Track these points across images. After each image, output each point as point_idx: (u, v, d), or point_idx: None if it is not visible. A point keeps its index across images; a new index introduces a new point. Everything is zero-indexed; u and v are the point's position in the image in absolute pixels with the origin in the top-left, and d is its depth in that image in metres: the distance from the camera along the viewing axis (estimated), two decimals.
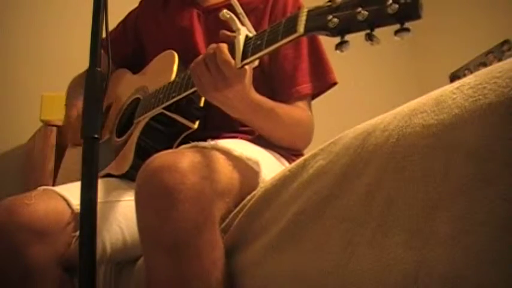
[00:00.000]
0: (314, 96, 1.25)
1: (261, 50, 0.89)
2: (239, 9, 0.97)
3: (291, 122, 1.15)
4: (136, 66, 1.38)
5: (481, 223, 0.53)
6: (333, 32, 0.76)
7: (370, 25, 0.72)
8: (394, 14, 0.69)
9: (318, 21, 0.79)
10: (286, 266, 0.78)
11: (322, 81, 1.23)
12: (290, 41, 0.84)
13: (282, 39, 0.85)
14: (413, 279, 0.58)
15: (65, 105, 1.44)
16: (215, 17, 1.25)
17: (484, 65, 2.84)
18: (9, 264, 0.94)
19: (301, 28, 0.81)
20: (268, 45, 0.88)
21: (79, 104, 1.33)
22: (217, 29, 1.00)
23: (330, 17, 0.76)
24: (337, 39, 0.77)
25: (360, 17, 0.72)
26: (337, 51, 0.76)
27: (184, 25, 1.29)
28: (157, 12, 1.38)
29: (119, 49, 1.39)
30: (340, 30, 0.76)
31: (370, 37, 0.72)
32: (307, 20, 0.81)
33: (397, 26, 0.70)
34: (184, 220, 0.82)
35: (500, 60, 2.73)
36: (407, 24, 0.69)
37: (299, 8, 0.85)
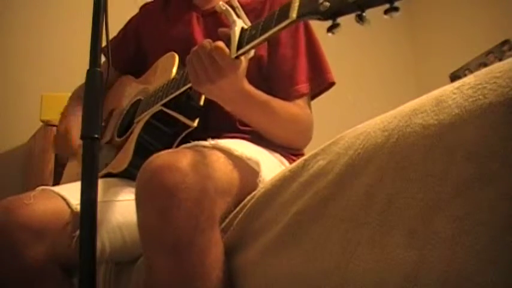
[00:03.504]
0: (313, 96, 1.26)
1: (255, 39, 0.90)
2: (235, 3, 0.98)
3: (287, 117, 1.15)
4: (140, 71, 1.39)
5: (481, 223, 0.53)
6: (324, 16, 0.78)
7: (360, 6, 0.74)
8: None
9: (310, 6, 0.80)
10: (286, 265, 0.78)
11: (320, 81, 1.23)
12: (284, 27, 0.85)
13: (275, 26, 0.86)
14: (413, 279, 0.58)
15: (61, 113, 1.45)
16: (214, 20, 1.26)
17: (485, 65, 2.84)
18: (9, 264, 0.93)
19: (293, 14, 0.83)
20: (262, 33, 0.89)
21: (70, 118, 1.37)
22: (217, 31, 1.00)
23: (321, 0, 0.78)
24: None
25: None
26: (329, 34, 0.78)
27: (184, 29, 1.30)
28: (157, 17, 1.39)
29: (121, 56, 1.40)
30: (332, 14, 0.77)
31: (360, 18, 0.74)
32: (299, 6, 0.83)
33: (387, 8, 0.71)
34: (185, 219, 0.82)
35: (500, 60, 2.73)
36: (396, 3, 0.70)
37: None
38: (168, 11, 1.38)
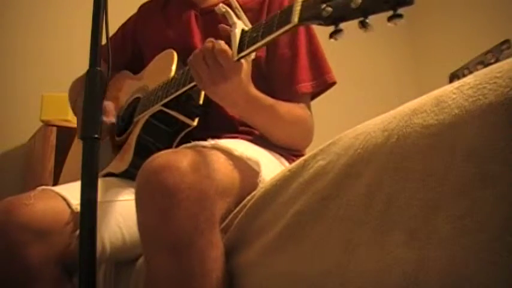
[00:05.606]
0: (313, 96, 1.25)
1: (256, 42, 0.89)
2: (235, 4, 0.98)
3: (291, 119, 1.15)
4: (137, 68, 1.38)
5: (481, 223, 0.53)
6: (326, 21, 0.77)
7: (363, 12, 0.73)
8: (387, 1, 0.70)
9: (312, 10, 0.80)
10: (286, 266, 0.78)
11: (322, 80, 1.22)
12: (285, 31, 0.85)
13: (277, 30, 0.86)
14: (413, 279, 0.58)
15: (73, 102, 1.43)
16: (212, 18, 1.25)
17: (482, 63, 2.84)
18: (9, 264, 0.93)
19: (295, 18, 0.82)
20: (263, 36, 0.88)
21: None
22: (215, 29, 1.00)
23: (324, 5, 0.77)
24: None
25: (353, 5, 0.73)
26: (332, 40, 0.77)
27: (182, 27, 1.30)
28: (156, 16, 1.38)
29: (118, 57, 1.39)
30: (334, 19, 0.77)
31: (363, 24, 0.73)
32: (301, 10, 0.82)
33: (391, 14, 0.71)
34: (185, 219, 0.82)
35: (497, 58, 2.73)
36: (400, 10, 0.70)
37: None
38: (168, 9, 1.37)
